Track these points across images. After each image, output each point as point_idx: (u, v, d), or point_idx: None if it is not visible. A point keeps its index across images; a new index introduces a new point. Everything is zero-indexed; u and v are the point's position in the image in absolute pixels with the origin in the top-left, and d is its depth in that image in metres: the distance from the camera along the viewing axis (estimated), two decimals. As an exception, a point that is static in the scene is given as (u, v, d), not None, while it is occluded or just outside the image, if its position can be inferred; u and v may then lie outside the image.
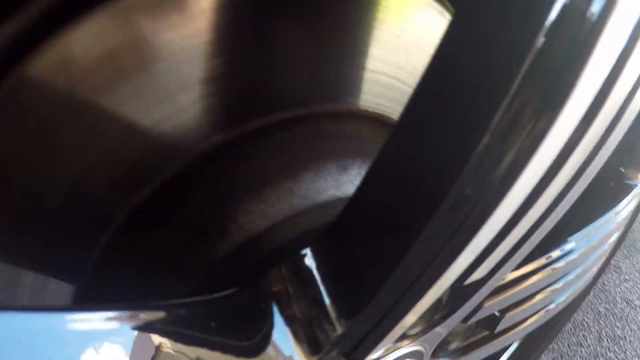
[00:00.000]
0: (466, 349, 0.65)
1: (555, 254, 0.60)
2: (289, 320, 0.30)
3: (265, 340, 0.30)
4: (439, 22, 0.49)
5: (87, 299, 0.43)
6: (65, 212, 0.38)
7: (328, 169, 0.43)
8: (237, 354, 0.28)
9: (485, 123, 0.21)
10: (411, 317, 0.32)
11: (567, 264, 0.61)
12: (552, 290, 0.62)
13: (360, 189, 0.27)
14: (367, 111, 0.48)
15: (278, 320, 0.30)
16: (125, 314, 0.24)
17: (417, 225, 0.23)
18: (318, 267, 0.29)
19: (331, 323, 0.30)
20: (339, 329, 0.30)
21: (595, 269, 0.69)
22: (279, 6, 0.38)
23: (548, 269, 0.60)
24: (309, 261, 0.30)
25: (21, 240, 0.39)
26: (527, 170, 0.23)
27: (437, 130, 0.23)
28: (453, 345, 0.62)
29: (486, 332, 0.63)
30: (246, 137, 0.42)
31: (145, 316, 0.25)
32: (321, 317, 0.30)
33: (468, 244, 0.25)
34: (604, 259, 0.71)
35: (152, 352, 0.25)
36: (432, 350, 0.54)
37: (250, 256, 0.38)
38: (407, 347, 0.48)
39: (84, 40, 0.33)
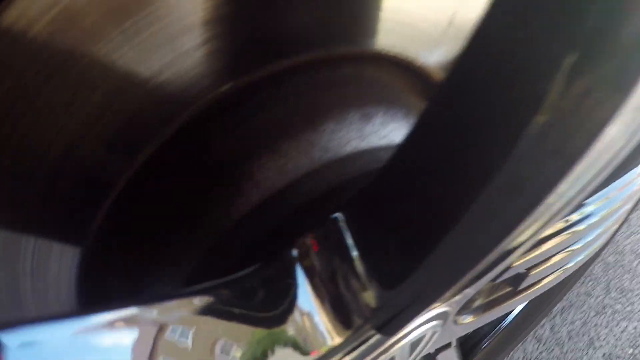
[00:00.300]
0: (489, 306, 0.64)
1: (574, 217, 0.59)
2: (319, 296, 0.26)
3: (289, 315, 0.26)
4: None
5: (94, 264, 0.39)
6: (63, 176, 0.34)
7: (350, 118, 0.38)
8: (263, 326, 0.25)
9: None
10: (460, 285, 0.28)
11: (587, 226, 0.60)
12: (571, 251, 0.62)
13: (412, 137, 0.23)
14: (386, 54, 0.43)
15: (306, 296, 0.26)
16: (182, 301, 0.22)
17: (492, 166, 0.19)
18: (352, 234, 0.25)
19: (366, 296, 0.26)
20: (374, 303, 0.26)
21: (614, 228, 0.67)
22: None
23: (569, 231, 0.59)
24: (341, 227, 0.26)
25: (19, 204, 0.34)
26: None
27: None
28: (477, 303, 0.61)
29: (509, 289, 0.63)
30: (258, 84, 0.37)
31: (200, 302, 0.23)
32: (354, 291, 0.26)
33: (549, 193, 0.20)
34: (623, 218, 0.70)
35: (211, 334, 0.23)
36: (457, 309, 0.53)
37: (269, 218, 0.34)
38: (435, 309, 0.45)
39: None
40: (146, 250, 0.38)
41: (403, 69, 0.47)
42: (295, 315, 0.26)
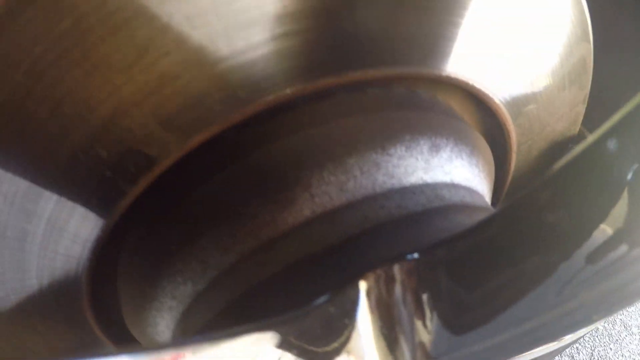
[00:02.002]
0: None
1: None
2: (376, 336, 0.24)
3: (337, 355, 0.23)
4: None
5: (114, 241, 0.36)
6: (103, 141, 0.30)
7: (420, 147, 0.35)
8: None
9: None
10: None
11: None
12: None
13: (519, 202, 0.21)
14: (457, 79, 0.40)
15: (362, 334, 0.23)
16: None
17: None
18: (432, 278, 0.23)
19: (426, 341, 0.24)
20: (433, 350, 0.24)
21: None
22: None
23: None
24: (421, 270, 0.23)
25: (49, 158, 0.31)
26: None
27: None
28: None
29: None
30: (330, 91, 0.33)
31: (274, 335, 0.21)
32: (414, 335, 0.24)
33: None
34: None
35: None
36: None
37: (317, 237, 0.31)
38: None
39: None
40: (173, 240, 0.34)
41: (470, 97, 0.44)
42: (348, 355, 0.23)
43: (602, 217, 0.22)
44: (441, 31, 0.35)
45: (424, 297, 0.23)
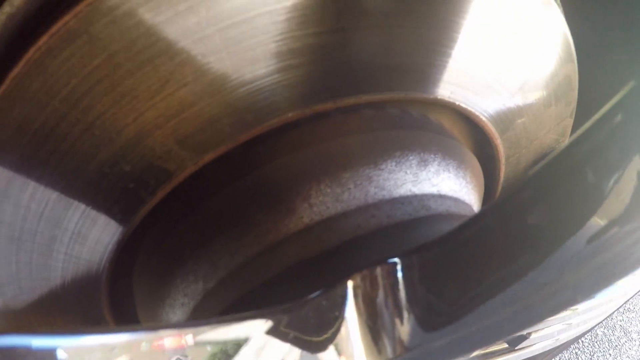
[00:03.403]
0: (484, 357, 0.66)
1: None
2: (361, 330, 0.28)
3: (330, 343, 0.27)
4: (542, 12, 0.44)
5: (132, 244, 0.40)
6: (128, 158, 0.35)
7: (410, 161, 0.39)
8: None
9: None
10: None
11: (588, 307, 0.62)
12: (568, 324, 0.64)
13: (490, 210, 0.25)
14: (445, 101, 0.44)
15: (349, 325, 0.28)
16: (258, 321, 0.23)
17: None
18: (408, 280, 0.27)
19: (403, 334, 0.28)
20: (408, 341, 0.28)
21: (612, 310, 0.69)
22: None
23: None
24: (398, 272, 0.27)
25: (79, 172, 0.35)
26: None
27: None
28: (475, 353, 0.62)
29: (506, 346, 0.64)
30: (328, 113, 0.38)
31: (270, 322, 0.25)
32: (394, 329, 0.28)
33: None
34: (623, 302, 0.71)
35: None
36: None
37: (315, 242, 0.35)
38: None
39: None
40: (187, 243, 0.39)
41: (459, 117, 0.47)
42: (337, 343, 0.27)
43: (578, 215, 0.25)
44: (430, 60, 0.39)
45: (401, 295, 0.27)
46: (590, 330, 0.82)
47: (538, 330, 0.61)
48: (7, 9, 0.31)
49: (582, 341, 1.32)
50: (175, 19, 0.30)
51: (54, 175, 0.36)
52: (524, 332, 0.58)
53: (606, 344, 1.33)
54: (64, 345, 0.22)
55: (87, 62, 0.30)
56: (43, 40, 0.30)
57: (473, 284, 0.26)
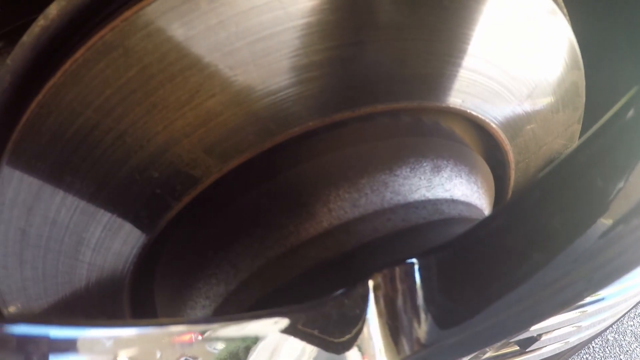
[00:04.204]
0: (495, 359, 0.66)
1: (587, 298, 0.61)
2: (381, 326, 0.29)
3: (354, 343, 0.29)
4: (548, 21, 0.45)
5: (156, 250, 0.42)
6: (155, 165, 0.37)
7: (424, 168, 0.41)
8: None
9: None
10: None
11: (598, 309, 0.62)
12: (577, 327, 0.64)
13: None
14: (457, 109, 0.46)
15: (370, 325, 0.29)
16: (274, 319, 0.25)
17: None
18: (425, 278, 0.28)
19: (420, 332, 0.29)
20: (425, 339, 0.29)
21: (623, 313, 0.69)
22: None
23: (578, 310, 0.62)
24: (416, 272, 0.29)
25: (106, 181, 0.37)
26: None
27: None
28: (487, 355, 0.63)
29: (517, 348, 0.65)
30: (346, 122, 0.40)
31: (287, 321, 0.25)
32: (412, 327, 0.29)
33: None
34: (633, 305, 0.72)
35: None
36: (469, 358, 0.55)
37: (334, 245, 0.37)
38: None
39: None
40: (209, 247, 0.40)
41: (471, 125, 0.49)
42: (359, 344, 0.29)
43: (587, 214, 0.27)
44: (442, 70, 0.41)
45: (419, 293, 0.28)
46: (600, 334, 0.82)
47: (548, 332, 0.62)
48: (41, 22, 0.34)
49: (593, 346, 1.32)
50: (207, 33, 0.32)
51: (85, 180, 0.38)
52: (536, 331, 0.59)
53: (617, 349, 1.33)
54: (75, 335, 0.23)
55: (121, 73, 0.32)
56: (80, 52, 0.32)
57: (488, 281, 0.27)
